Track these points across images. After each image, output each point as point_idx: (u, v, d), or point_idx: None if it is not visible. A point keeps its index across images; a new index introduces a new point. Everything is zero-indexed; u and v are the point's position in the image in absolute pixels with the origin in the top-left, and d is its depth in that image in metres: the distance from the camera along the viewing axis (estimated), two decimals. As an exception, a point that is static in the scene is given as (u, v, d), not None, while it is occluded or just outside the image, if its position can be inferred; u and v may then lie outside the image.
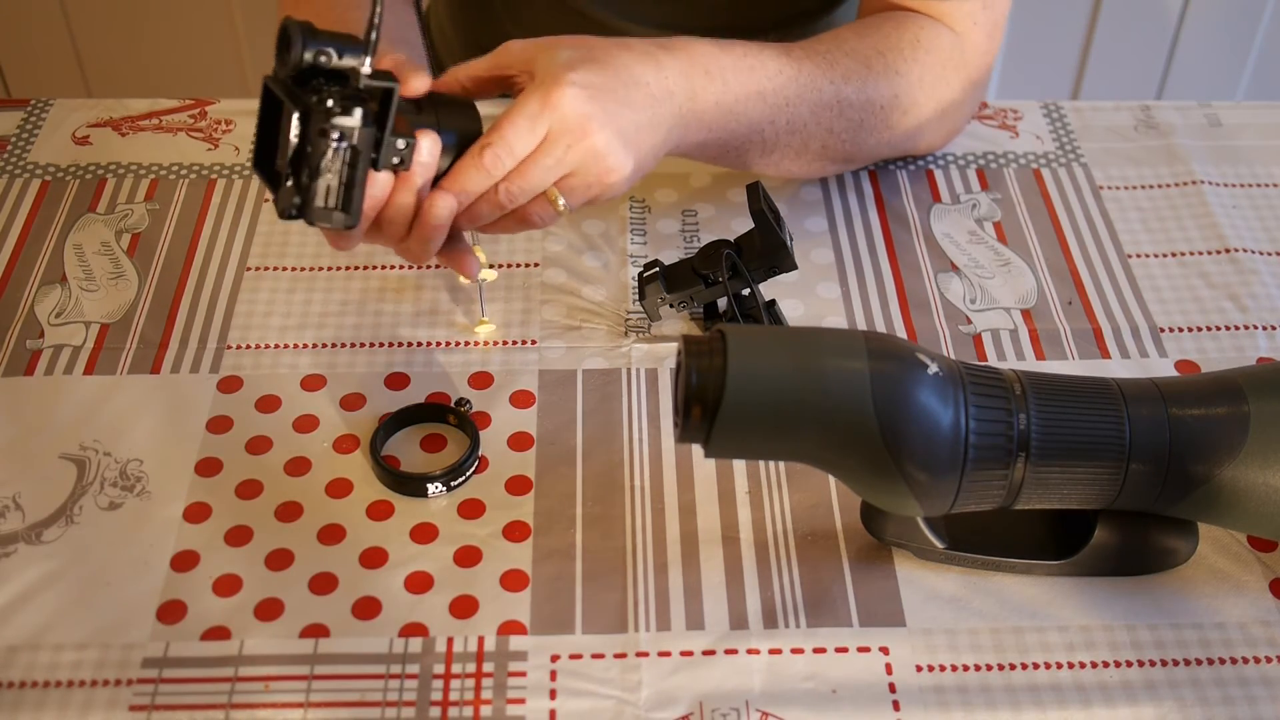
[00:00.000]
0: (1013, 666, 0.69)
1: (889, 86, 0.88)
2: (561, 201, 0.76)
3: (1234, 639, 0.70)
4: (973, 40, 0.92)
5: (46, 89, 1.89)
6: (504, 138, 0.73)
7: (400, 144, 0.71)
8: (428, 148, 0.72)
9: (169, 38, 1.84)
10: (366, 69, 0.68)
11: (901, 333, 0.87)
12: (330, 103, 0.67)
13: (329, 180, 0.69)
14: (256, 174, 0.72)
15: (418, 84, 0.74)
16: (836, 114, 0.87)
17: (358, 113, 0.67)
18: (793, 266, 0.82)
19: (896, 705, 0.67)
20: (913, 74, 0.89)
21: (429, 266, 0.90)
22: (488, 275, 0.84)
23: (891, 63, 0.88)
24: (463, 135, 0.74)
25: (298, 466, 0.78)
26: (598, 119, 0.74)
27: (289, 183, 0.69)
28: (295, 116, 0.67)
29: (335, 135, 0.67)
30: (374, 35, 0.67)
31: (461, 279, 0.84)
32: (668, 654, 0.69)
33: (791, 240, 0.83)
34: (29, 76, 1.90)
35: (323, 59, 0.68)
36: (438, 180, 0.74)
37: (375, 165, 0.70)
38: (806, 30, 1.10)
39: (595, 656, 0.69)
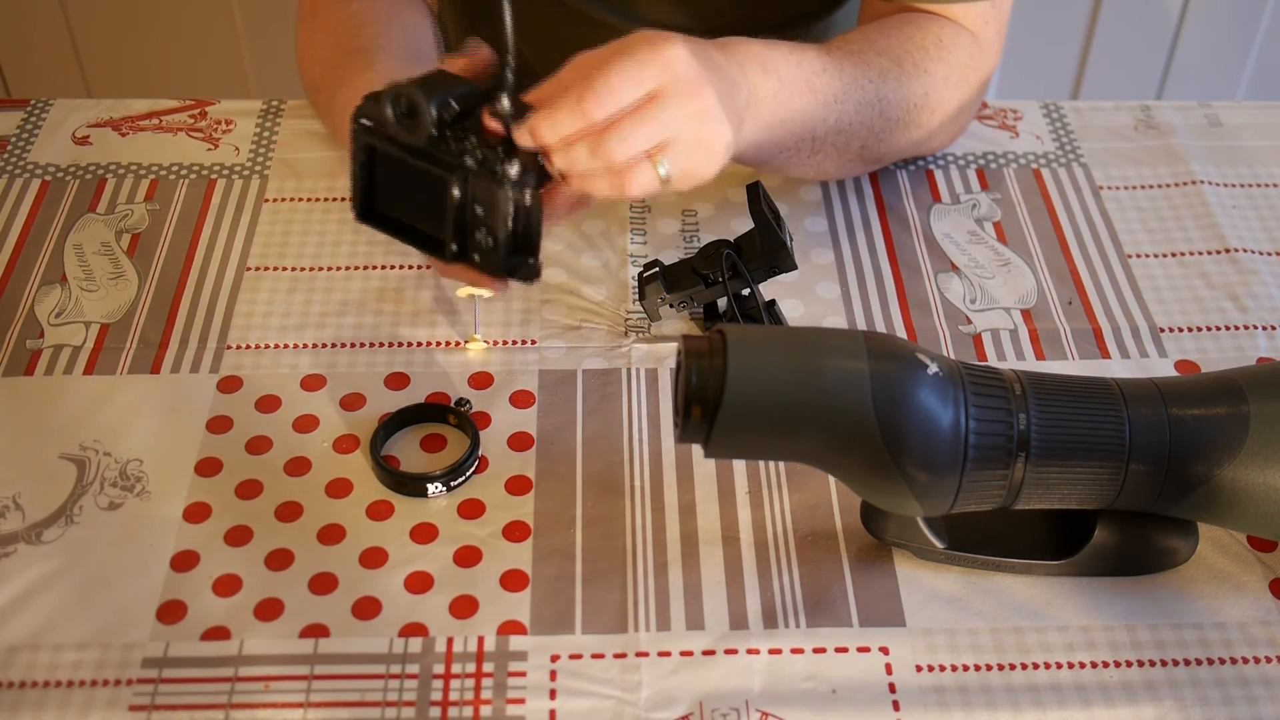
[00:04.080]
0: (1013, 666, 0.69)
1: (921, 85, 0.89)
2: (664, 168, 0.69)
3: (1234, 639, 0.70)
4: (985, 39, 0.92)
5: (46, 89, 1.89)
6: (609, 83, 0.66)
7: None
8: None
9: (169, 38, 1.84)
10: (506, 104, 0.69)
11: (901, 333, 0.87)
12: (510, 169, 0.68)
13: (512, 232, 0.70)
14: (372, 226, 0.74)
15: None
16: (878, 113, 0.87)
17: (516, 167, 0.69)
18: (793, 266, 0.82)
19: (896, 705, 0.67)
20: (939, 73, 0.90)
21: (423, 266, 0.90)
22: (484, 293, 0.83)
23: (920, 62, 0.89)
24: None
25: (298, 466, 0.78)
26: (711, 82, 0.70)
27: (451, 240, 0.71)
28: (456, 183, 0.69)
29: (527, 199, 0.69)
30: (510, 71, 0.68)
31: (458, 293, 0.84)
32: (668, 654, 0.69)
33: (791, 240, 0.83)
34: (29, 76, 1.90)
35: (446, 114, 0.69)
36: None
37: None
38: (807, 32, 1.10)
39: (595, 656, 0.69)
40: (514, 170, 0.68)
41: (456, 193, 0.69)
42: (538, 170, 0.70)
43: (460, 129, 0.70)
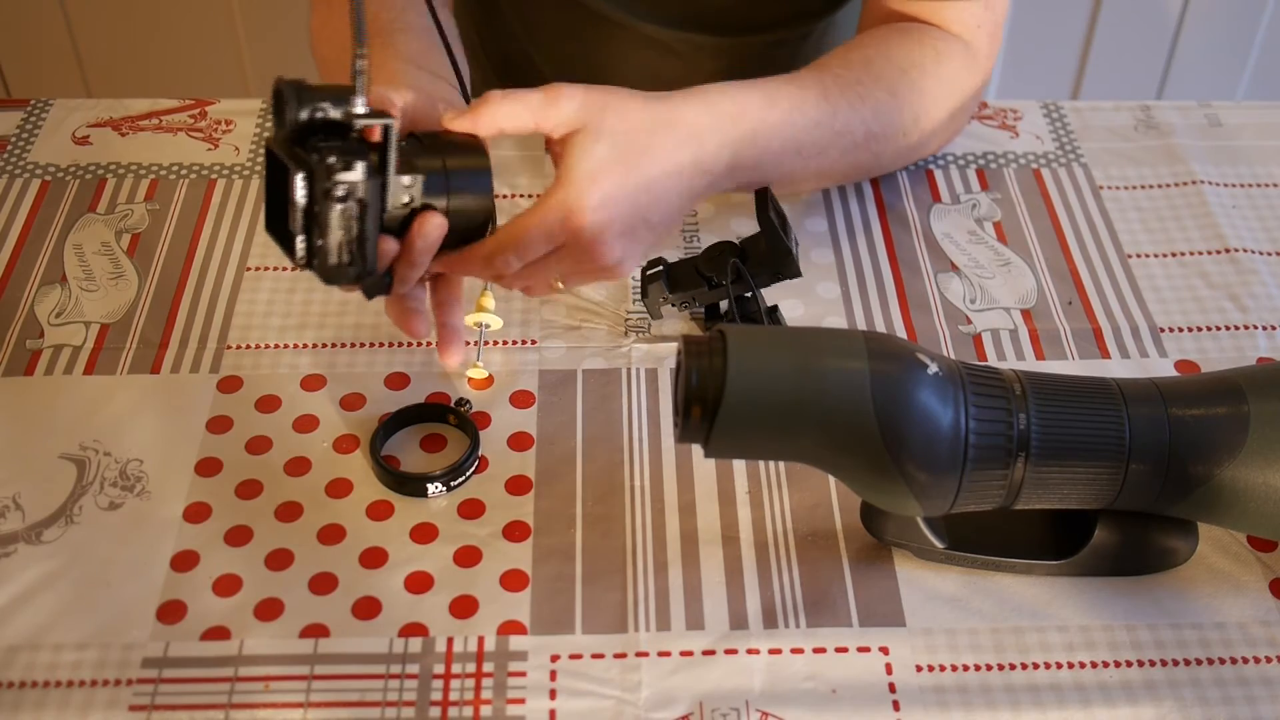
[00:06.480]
0: (1013, 666, 0.69)
1: (912, 111, 0.89)
2: (561, 286, 0.79)
3: (1234, 639, 0.70)
4: (978, 43, 0.92)
5: (46, 89, 1.89)
6: (517, 249, 0.73)
7: (406, 180, 0.69)
8: (435, 229, 0.71)
9: (169, 38, 1.84)
10: (359, 108, 0.67)
11: (901, 333, 0.87)
12: (332, 160, 0.66)
13: (339, 237, 0.67)
14: (271, 237, 0.71)
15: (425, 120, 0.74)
16: (864, 150, 0.88)
17: (360, 166, 0.66)
18: (797, 273, 0.82)
19: (896, 705, 0.67)
20: (932, 91, 0.90)
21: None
22: (493, 322, 0.83)
23: (915, 82, 0.89)
24: (470, 176, 0.72)
25: (298, 466, 0.78)
26: (610, 237, 0.74)
27: (301, 242, 0.68)
28: (299, 178, 0.66)
29: (340, 192, 0.66)
30: (360, 75, 0.66)
31: (466, 319, 0.83)
32: (668, 654, 0.69)
33: (798, 246, 0.83)
34: (29, 76, 1.90)
35: (319, 114, 0.67)
36: (450, 236, 0.73)
37: (384, 209, 0.69)
38: (808, 28, 1.10)
39: (595, 656, 0.69)
40: (344, 172, 0.66)
41: (299, 187, 0.66)
42: (382, 179, 0.68)
43: (335, 138, 0.67)
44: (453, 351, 0.78)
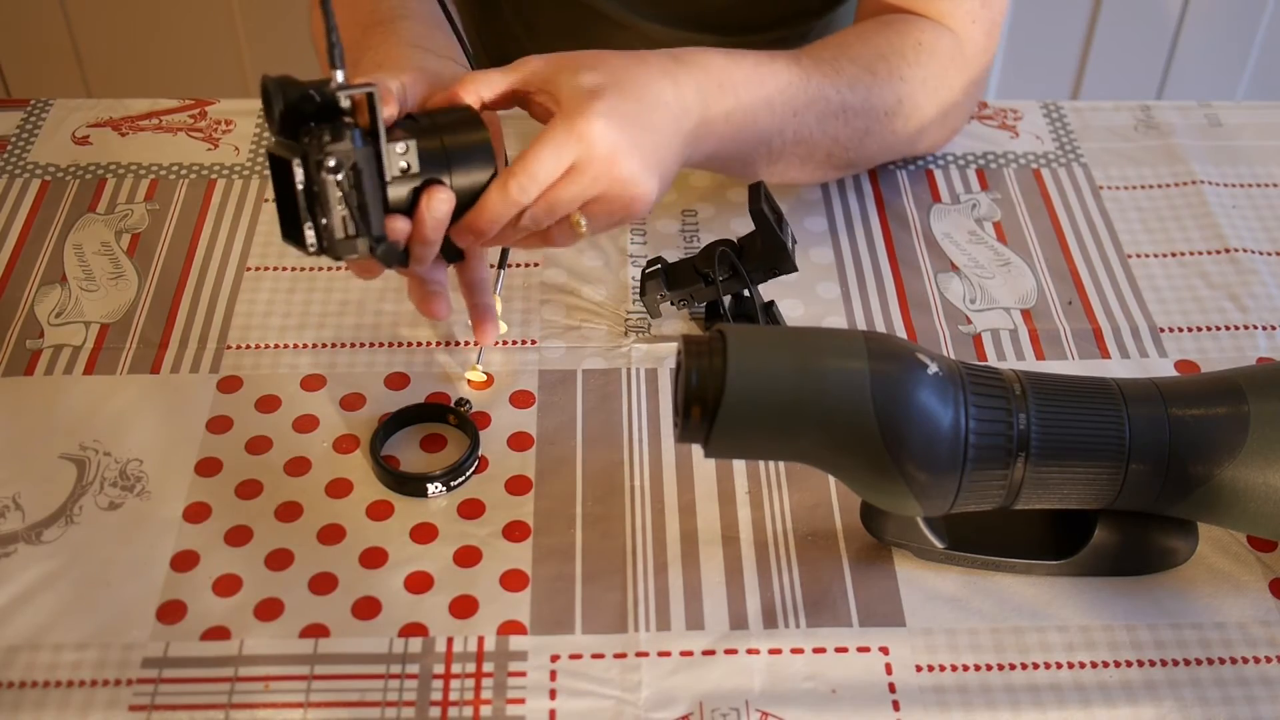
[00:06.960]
0: (1013, 666, 0.69)
1: (893, 92, 0.88)
2: (583, 225, 0.75)
3: (1234, 639, 0.70)
4: (972, 39, 0.92)
5: (46, 89, 1.89)
6: (529, 169, 0.72)
7: (400, 148, 0.70)
8: (441, 203, 0.71)
9: (169, 38, 1.84)
10: (339, 78, 0.67)
11: (901, 333, 0.87)
12: (323, 136, 0.66)
13: (341, 210, 0.68)
14: (289, 244, 0.71)
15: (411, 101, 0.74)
16: (842, 123, 0.87)
17: (349, 134, 0.67)
18: (793, 268, 0.82)
19: (896, 705, 0.67)
20: (916, 78, 0.89)
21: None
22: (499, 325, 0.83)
23: (895, 67, 0.88)
24: (469, 151, 0.72)
25: (298, 466, 0.78)
26: (623, 148, 0.73)
27: (309, 228, 0.68)
28: (296, 163, 0.67)
29: (333, 163, 0.67)
30: (335, 47, 0.67)
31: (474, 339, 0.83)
32: (668, 654, 0.69)
33: (795, 242, 0.83)
34: (29, 76, 1.90)
35: (306, 105, 0.67)
36: (458, 210, 0.73)
37: (382, 178, 0.69)
38: (808, 27, 1.10)
39: (595, 656, 0.69)
40: (334, 143, 0.67)
41: (298, 172, 0.67)
42: (374, 147, 0.68)
43: (328, 123, 0.68)
44: (489, 329, 0.79)
